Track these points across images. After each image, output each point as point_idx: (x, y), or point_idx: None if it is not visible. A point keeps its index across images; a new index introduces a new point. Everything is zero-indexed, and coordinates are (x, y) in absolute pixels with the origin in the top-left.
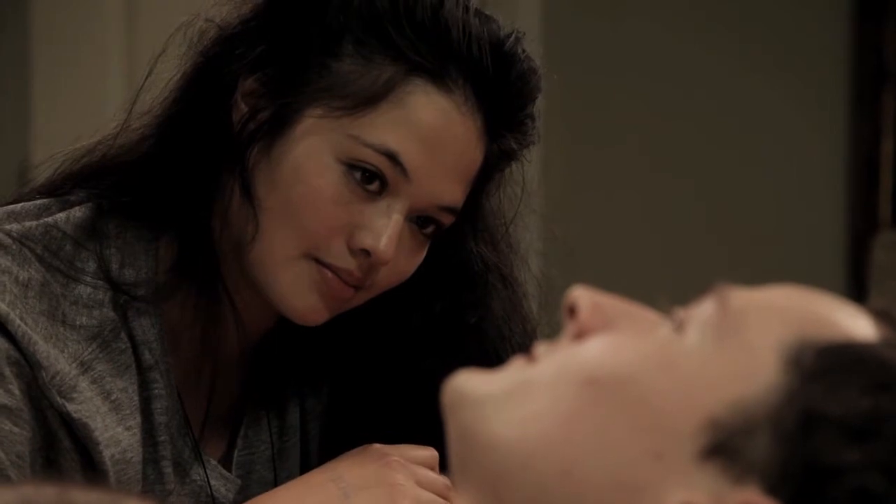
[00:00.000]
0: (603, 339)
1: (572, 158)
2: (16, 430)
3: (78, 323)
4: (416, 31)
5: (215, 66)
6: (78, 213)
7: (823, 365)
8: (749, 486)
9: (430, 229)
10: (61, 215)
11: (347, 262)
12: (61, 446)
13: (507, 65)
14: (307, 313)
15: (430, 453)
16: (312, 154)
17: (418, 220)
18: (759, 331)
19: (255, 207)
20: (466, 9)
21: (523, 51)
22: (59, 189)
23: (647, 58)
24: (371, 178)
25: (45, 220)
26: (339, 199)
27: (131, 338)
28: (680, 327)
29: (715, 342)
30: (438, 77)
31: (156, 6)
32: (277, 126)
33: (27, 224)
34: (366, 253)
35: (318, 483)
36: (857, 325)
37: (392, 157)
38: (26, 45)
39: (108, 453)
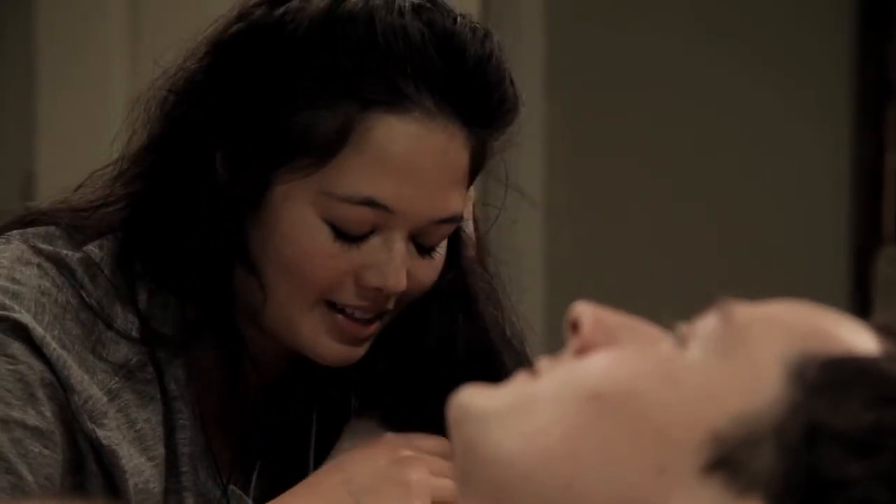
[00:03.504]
0: (606, 355)
1: (576, 167)
2: (45, 452)
3: (107, 353)
4: (357, 64)
5: (184, 144)
6: (108, 243)
7: (826, 378)
8: (753, 499)
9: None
10: (93, 246)
11: (361, 301)
12: (88, 471)
13: (458, 56)
14: (335, 359)
15: (442, 442)
16: (296, 219)
17: (419, 245)
18: (762, 345)
19: (258, 277)
20: (401, 12)
21: (473, 31)
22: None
23: (651, 67)
24: (361, 232)
25: (84, 249)
26: (335, 253)
27: (157, 369)
28: (683, 342)
29: (718, 356)
30: (394, 103)
31: (160, 9)
32: (256, 198)
33: (63, 251)
34: (377, 289)
35: (329, 487)
36: (860, 339)
37: (370, 203)
38: (30, 48)
39: (132, 482)
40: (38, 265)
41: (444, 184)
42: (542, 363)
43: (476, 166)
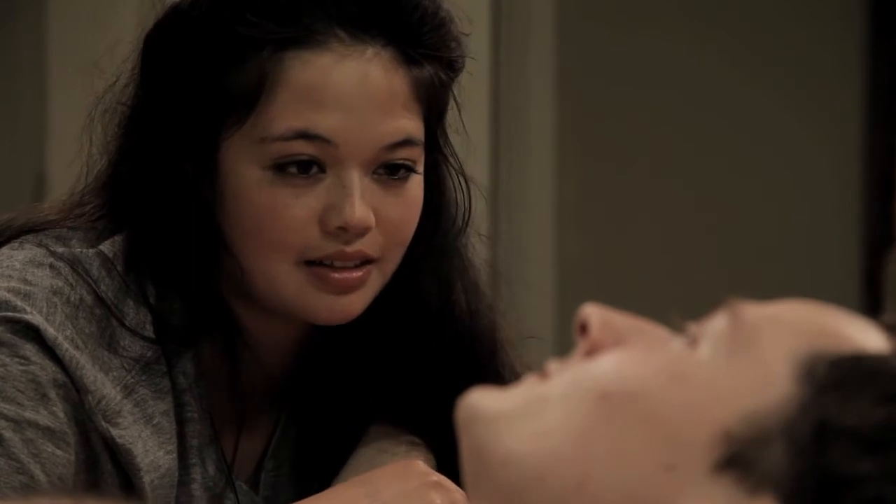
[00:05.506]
0: (615, 355)
1: (586, 168)
2: (58, 452)
3: (122, 347)
4: (261, 12)
5: (144, 147)
6: (119, 240)
7: (836, 376)
8: (763, 497)
9: (401, 172)
10: (107, 243)
11: (333, 246)
12: (103, 469)
13: None
14: (328, 314)
15: (463, 496)
16: (242, 176)
17: (386, 169)
18: (771, 344)
19: (235, 254)
20: None
21: None
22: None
23: (660, 69)
24: (304, 165)
25: (97, 248)
26: (289, 202)
27: (168, 362)
28: (692, 342)
29: (728, 355)
30: (305, 40)
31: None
32: (209, 170)
33: (76, 250)
34: (343, 230)
35: (352, 498)
36: (869, 337)
37: (304, 136)
38: (42, 49)
39: (147, 479)
40: (51, 265)
41: (376, 107)
42: (552, 365)
43: (428, 89)
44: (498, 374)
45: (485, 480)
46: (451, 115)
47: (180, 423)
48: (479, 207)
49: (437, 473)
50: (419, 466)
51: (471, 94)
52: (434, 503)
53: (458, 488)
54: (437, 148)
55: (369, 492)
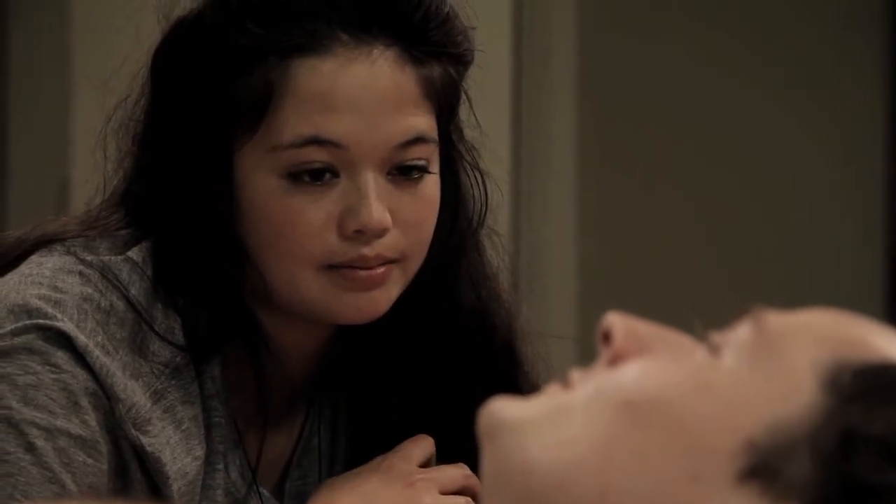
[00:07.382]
0: (638, 364)
1: (608, 175)
2: (89, 461)
3: (152, 352)
4: (262, 22)
5: (161, 162)
6: (146, 246)
7: (861, 385)
8: None
9: (415, 174)
10: (135, 249)
11: (354, 251)
12: (132, 477)
13: None
14: (355, 312)
15: (427, 446)
16: (257, 185)
17: (399, 170)
18: (795, 352)
19: (254, 262)
20: None
21: None
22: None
23: (682, 78)
24: (317, 173)
25: (126, 254)
26: (304, 208)
27: (196, 368)
28: (716, 350)
29: (752, 364)
30: (310, 46)
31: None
32: (224, 180)
33: (105, 257)
34: (361, 233)
35: None
36: (894, 346)
37: (315, 142)
38: (65, 55)
39: (175, 486)
40: (80, 272)
41: (386, 108)
42: (575, 374)
43: (437, 85)
44: (517, 370)
45: (506, 489)
46: (466, 112)
47: (207, 427)
48: (501, 210)
49: (410, 466)
50: (394, 466)
51: (492, 97)
52: (425, 503)
53: (440, 472)
54: (451, 144)
55: None
